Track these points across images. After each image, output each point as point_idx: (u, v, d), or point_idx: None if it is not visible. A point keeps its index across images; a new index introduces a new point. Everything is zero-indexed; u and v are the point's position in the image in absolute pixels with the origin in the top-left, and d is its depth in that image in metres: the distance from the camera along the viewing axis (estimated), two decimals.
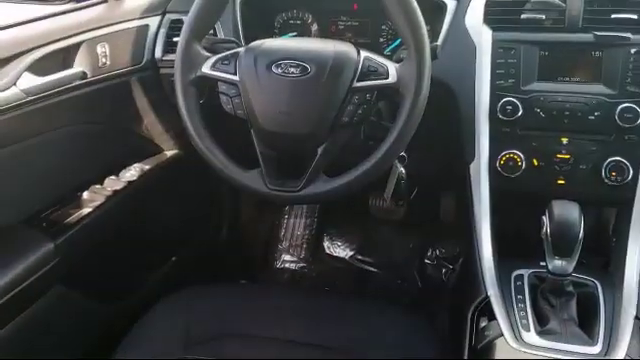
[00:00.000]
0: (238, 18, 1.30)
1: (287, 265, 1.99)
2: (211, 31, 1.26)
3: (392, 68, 0.96)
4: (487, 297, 1.01)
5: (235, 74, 1.00)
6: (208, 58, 1.03)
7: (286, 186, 0.98)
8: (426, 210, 1.94)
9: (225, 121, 1.01)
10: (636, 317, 0.96)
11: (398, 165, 1.18)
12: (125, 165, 1.48)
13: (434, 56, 1.00)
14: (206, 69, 1.02)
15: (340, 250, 1.99)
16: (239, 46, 1.08)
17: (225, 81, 1.01)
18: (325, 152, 0.97)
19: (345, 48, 0.98)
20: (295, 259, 2.00)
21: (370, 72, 0.96)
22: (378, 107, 1.14)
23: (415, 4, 0.93)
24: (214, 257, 1.91)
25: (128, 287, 1.51)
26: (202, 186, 1.75)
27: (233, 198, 1.93)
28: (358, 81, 0.95)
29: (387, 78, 0.95)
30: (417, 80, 0.93)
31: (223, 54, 1.03)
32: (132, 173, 1.47)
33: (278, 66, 0.97)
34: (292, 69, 0.96)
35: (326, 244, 2.01)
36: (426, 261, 1.91)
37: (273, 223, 2.07)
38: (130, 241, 1.45)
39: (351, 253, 1.98)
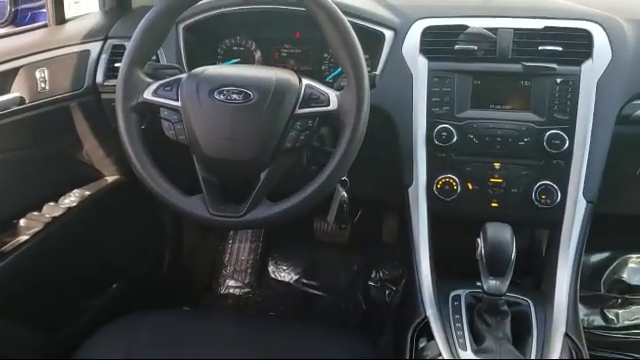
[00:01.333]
0: (181, 44, 1.31)
1: (231, 291, 1.97)
2: (154, 57, 1.27)
3: (333, 96, 0.99)
4: (426, 317, 1.04)
5: (177, 100, 1.00)
6: (150, 84, 1.03)
7: (229, 212, 0.99)
8: (370, 232, 1.97)
9: (168, 147, 1.01)
10: (566, 334, 1.01)
11: (340, 189, 1.21)
12: (65, 191, 1.45)
13: (372, 85, 1.03)
14: (148, 95, 1.02)
15: (285, 274, 1.99)
16: (182, 72, 1.08)
17: (167, 107, 1.01)
18: (268, 177, 0.98)
19: (287, 76, 1.00)
20: (239, 284, 1.98)
21: (312, 99, 0.98)
22: (321, 133, 1.16)
23: (354, 35, 0.96)
24: (156, 284, 1.88)
25: (66, 316, 1.46)
26: (144, 212, 1.72)
27: (176, 223, 1.91)
28: (300, 108, 0.97)
29: (328, 105, 0.98)
30: (357, 108, 0.96)
31: (165, 80, 1.03)
32: (72, 199, 1.44)
33: (220, 92, 0.98)
34: (234, 95, 0.97)
35: (271, 268, 2.01)
36: (370, 283, 1.94)
37: (217, 248, 2.05)
38: (68, 269, 1.41)
39: (296, 277, 1.99)
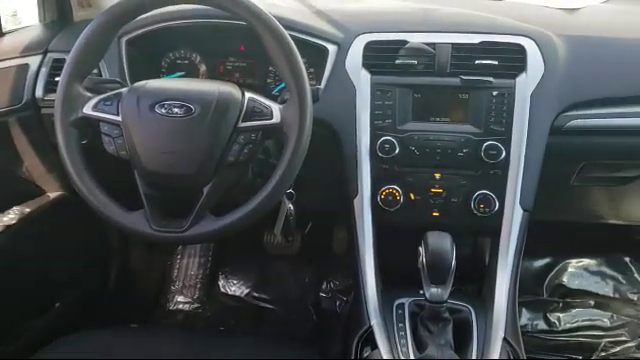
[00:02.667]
0: (124, 58, 1.29)
1: (180, 306, 1.94)
2: (95, 71, 1.26)
3: (276, 109, 1.00)
4: (370, 327, 1.05)
5: (117, 115, 0.99)
6: (90, 99, 1.02)
7: (171, 227, 0.98)
8: (321, 244, 1.98)
9: (110, 162, 1.00)
10: (504, 338, 1.04)
11: (286, 201, 1.21)
12: (3, 209, 1.40)
13: (316, 98, 1.05)
14: (87, 110, 1.01)
15: (235, 288, 1.98)
16: (123, 86, 1.07)
17: (107, 122, 1.00)
18: (211, 192, 0.98)
19: (229, 89, 1.01)
20: (189, 300, 1.96)
21: (255, 113, 0.99)
22: (266, 146, 1.17)
23: (295, 49, 0.98)
24: (103, 301, 1.83)
25: (6, 337, 1.41)
26: (89, 228, 1.68)
27: (122, 239, 1.87)
28: (243, 121, 0.98)
29: (271, 119, 0.99)
30: (299, 121, 0.97)
31: (105, 94, 1.02)
32: (11, 217, 1.40)
33: (162, 106, 0.98)
34: (176, 109, 0.97)
35: (221, 283, 1.99)
36: (321, 294, 1.95)
37: (165, 264, 2.02)
38: (9, 288, 1.36)
39: (247, 291, 1.98)
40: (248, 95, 1.01)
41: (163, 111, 0.97)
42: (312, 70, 1.31)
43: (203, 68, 1.40)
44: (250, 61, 1.38)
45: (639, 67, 1.24)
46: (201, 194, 0.98)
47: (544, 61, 1.19)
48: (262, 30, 0.98)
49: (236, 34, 1.29)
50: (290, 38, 0.99)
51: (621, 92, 1.21)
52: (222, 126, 0.96)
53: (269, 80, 1.38)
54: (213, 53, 1.39)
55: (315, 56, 1.26)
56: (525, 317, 1.86)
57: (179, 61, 1.41)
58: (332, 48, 1.25)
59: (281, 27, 0.98)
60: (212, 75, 1.39)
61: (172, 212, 1.02)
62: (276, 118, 0.98)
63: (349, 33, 1.25)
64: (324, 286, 1.95)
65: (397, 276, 1.19)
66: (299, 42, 1.18)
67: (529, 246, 1.90)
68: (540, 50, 1.19)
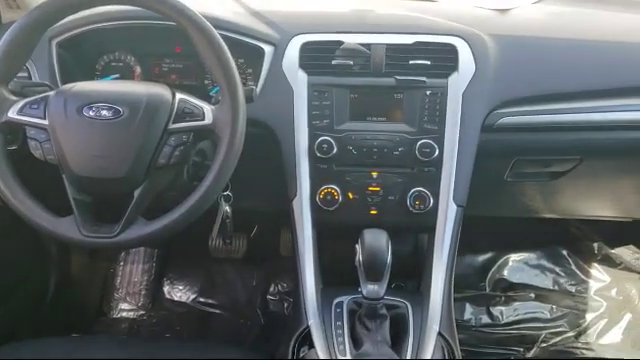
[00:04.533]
0: (54, 60, 1.26)
1: (124, 314, 1.91)
2: (25, 74, 1.22)
3: (208, 110, 0.99)
4: (308, 327, 1.06)
5: (44, 118, 0.97)
6: (15, 102, 0.99)
7: (102, 232, 0.96)
8: (267, 246, 1.97)
9: (40, 167, 0.97)
10: (439, 333, 1.06)
11: (223, 204, 1.20)
12: None
13: (250, 99, 1.04)
14: (12, 114, 0.98)
15: (181, 294, 1.96)
16: (52, 89, 1.04)
17: (33, 126, 0.97)
18: (142, 195, 0.97)
19: (159, 90, 1.00)
20: (133, 307, 1.92)
21: (186, 114, 0.98)
22: (202, 148, 1.16)
23: (226, 50, 0.97)
24: (42, 311, 1.77)
25: None
26: (25, 235, 1.62)
27: (61, 246, 1.81)
28: (173, 123, 0.97)
29: (203, 120, 0.98)
30: (232, 122, 0.96)
31: (31, 98, 1.00)
32: None
33: (90, 109, 0.96)
34: (104, 112, 0.95)
35: (166, 289, 1.97)
36: (269, 297, 1.94)
37: (107, 271, 1.97)
38: None
39: (193, 296, 1.96)
40: (179, 96, 1.00)
41: (91, 114, 0.96)
42: (250, 71, 1.31)
43: (138, 70, 1.37)
44: (186, 62, 1.36)
45: (567, 66, 1.28)
46: (132, 198, 0.96)
47: (475, 61, 1.21)
48: (192, 31, 0.97)
49: (171, 35, 1.27)
50: (220, 38, 0.99)
51: (549, 90, 1.25)
52: (152, 128, 0.95)
53: (206, 81, 1.37)
54: (148, 55, 1.37)
55: (252, 57, 1.26)
56: (469, 312, 1.91)
57: (113, 63, 1.38)
58: (268, 49, 1.25)
59: (211, 27, 0.98)
60: (147, 77, 1.37)
61: (103, 217, 0.99)
62: (208, 119, 0.98)
63: (285, 34, 1.25)
64: (271, 289, 1.95)
65: (338, 275, 1.20)
66: (235, 43, 1.19)
67: (471, 242, 1.97)
68: (471, 50, 1.22)
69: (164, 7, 0.98)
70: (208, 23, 0.98)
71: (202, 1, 1.24)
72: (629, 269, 1.98)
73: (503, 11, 1.46)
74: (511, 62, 1.25)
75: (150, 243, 0.97)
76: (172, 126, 0.97)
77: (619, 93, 1.25)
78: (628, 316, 1.93)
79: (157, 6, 0.99)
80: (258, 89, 1.20)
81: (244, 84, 1.24)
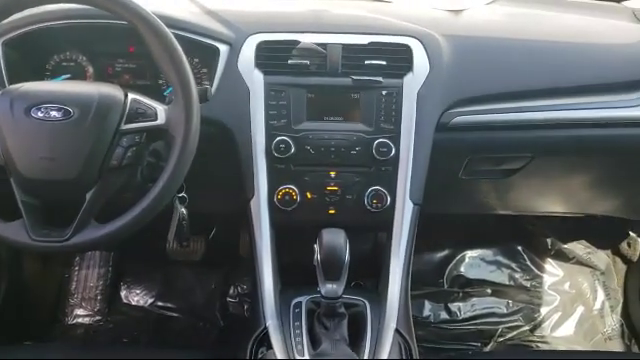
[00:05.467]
0: (0, 61, 1.21)
1: (80, 320, 1.86)
2: None
3: (161, 110, 0.97)
4: (265, 328, 1.05)
5: None
6: None
7: (52, 236, 0.93)
8: (226, 247, 1.95)
9: None
10: (396, 330, 1.07)
11: (179, 206, 1.19)
12: None
13: (204, 98, 1.03)
14: None
15: (139, 298, 1.92)
16: None
17: None
18: (94, 198, 0.94)
19: (111, 90, 0.98)
20: (89, 312, 1.87)
21: (138, 114, 0.96)
22: (156, 149, 1.14)
23: (178, 47, 0.96)
24: None
25: None
26: None
27: (12, 251, 1.75)
28: (125, 123, 0.95)
29: (156, 120, 0.96)
30: (185, 121, 0.95)
31: None
32: None
33: (38, 110, 0.93)
34: (54, 113, 0.93)
35: (123, 293, 1.93)
36: (228, 299, 1.93)
37: (62, 276, 1.92)
38: None
39: (150, 300, 1.92)
40: (131, 96, 0.98)
41: (40, 115, 0.93)
42: (205, 70, 1.29)
43: (91, 70, 1.34)
44: (140, 62, 1.34)
45: (519, 65, 1.31)
46: (84, 200, 0.94)
47: (429, 61, 1.23)
48: (144, 30, 0.96)
49: (124, 35, 1.24)
50: (173, 37, 0.97)
51: (501, 89, 1.27)
52: (103, 129, 0.93)
53: (161, 81, 1.35)
54: (101, 54, 1.33)
55: (207, 56, 1.24)
56: (427, 308, 1.94)
57: (64, 63, 1.34)
58: (224, 48, 1.23)
59: (163, 26, 0.96)
60: (100, 77, 1.34)
61: (54, 220, 0.97)
62: (161, 119, 0.96)
63: (241, 33, 1.24)
64: (231, 291, 1.93)
65: (298, 275, 1.20)
66: (189, 42, 1.17)
67: (429, 239, 2.00)
68: (425, 50, 1.24)
69: (115, 6, 0.96)
70: (161, 22, 0.97)
71: (155, 0, 1.22)
72: (581, 263, 2.05)
73: (457, 12, 1.48)
74: (464, 62, 1.27)
75: (103, 247, 0.95)
76: (124, 127, 0.95)
77: (568, 92, 1.29)
78: (580, 309, 2.00)
79: (108, 5, 0.97)
80: (213, 88, 1.19)
81: (199, 84, 1.23)
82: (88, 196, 0.94)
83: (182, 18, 1.23)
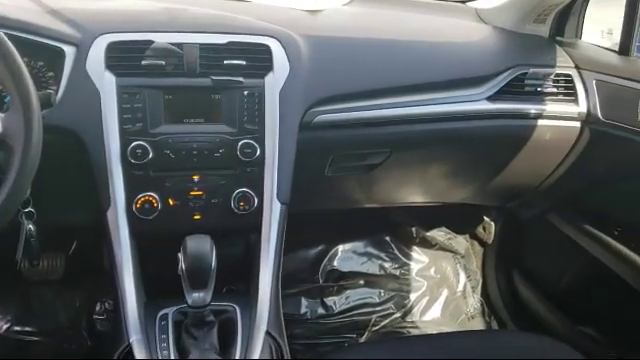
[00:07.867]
0: None
1: None
2: None
3: None
4: (129, 344, 1.00)
5: None
6: None
7: None
8: (88, 262, 1.83)
9: None
10: (267, 332, 1.06)
11: (25, 222, 1.09)
12: None
13: (48, 104, 0.95)
14: None
15: None
16: None
17: None
18: None
19: None
20: None
21: None
22: None
23: (12, 49, 0.88)
24: None
25: None
26: None
27: None
28: None
29: None
30: (25, 130, 0.87)
31: None
32: None
33: None
34: None
35: None
36: (95, 317, 1.80)
37: None
38: None
39: (6, 325, 1.74)
40: None
41: None
42: (51, 74, 1.19)
43: None
44: None
45: (375, 64, 1.36)
46: None
47: (289, 61, 1.23)
48: None
49: None
50: (6, 39, 0.88)
51: (360, 87, 1.31)
52: None
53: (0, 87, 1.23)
54: None
55: (52, 59, 1.15)
56: (304, 305, 1.95)
57: None
58: (69, 50, 1.15)
59: None
60: None
61: None
62: None
63: (88, 33, 1.16)
64: (97, 308, 1.81)
65: (165, 286, 1.15)
66: (30, 44, 1.08)
67: (302, 237, 2.02)
68: (285, 50, 1.24)
69: None
70: None
71: None
72: (443, 249, 2.17)
73: (315, 12, 1.51)
74: (323, 62, 1.30)
75: None
76: None
77: (420, 89, 1.36)
78: (445, 292, 2.12)
79: None
80: (60, 93, 1.11)
81: (45, 88, 1.14)
82: None
83: (19, 17, 1.13)
